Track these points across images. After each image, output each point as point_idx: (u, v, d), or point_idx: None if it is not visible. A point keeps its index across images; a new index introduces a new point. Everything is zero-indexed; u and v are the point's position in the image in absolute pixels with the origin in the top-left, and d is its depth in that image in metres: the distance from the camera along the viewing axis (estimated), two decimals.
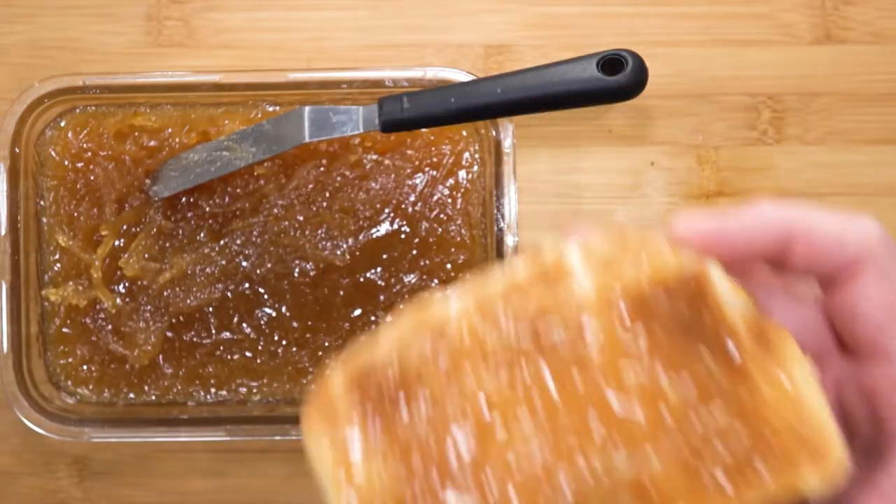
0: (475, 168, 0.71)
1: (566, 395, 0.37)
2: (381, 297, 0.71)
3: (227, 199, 0.71)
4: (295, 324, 0.71)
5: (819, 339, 0.43)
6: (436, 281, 0.71)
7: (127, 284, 0.71)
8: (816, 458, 0.36)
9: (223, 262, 0.71)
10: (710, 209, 0.42)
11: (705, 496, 0.36)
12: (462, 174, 0.71)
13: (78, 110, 0.71)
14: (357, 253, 0.71)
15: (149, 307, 0.71)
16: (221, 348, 0.71)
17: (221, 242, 0.71)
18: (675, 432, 0.36)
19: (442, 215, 0.71)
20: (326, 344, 0.71)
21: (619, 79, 0.61)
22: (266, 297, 0.71)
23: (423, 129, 0.70)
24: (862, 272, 0.39)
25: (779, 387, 0.37)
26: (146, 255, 0.70)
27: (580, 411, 0.37)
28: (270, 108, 0.72)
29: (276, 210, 0.71)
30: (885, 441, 0.40)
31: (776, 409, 0.37)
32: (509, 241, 0.68)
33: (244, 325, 0.71)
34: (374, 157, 0.72)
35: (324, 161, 0.71)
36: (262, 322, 0.71)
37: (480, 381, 0.37)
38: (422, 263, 0.71)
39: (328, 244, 0.71)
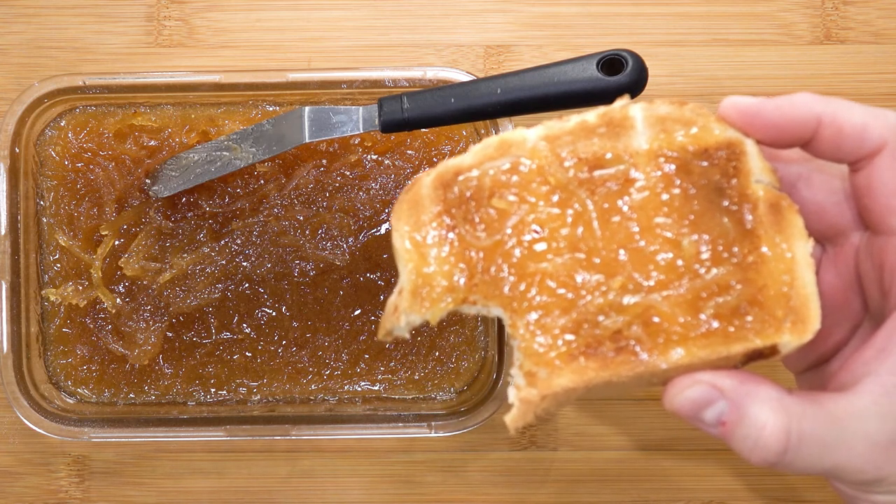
0: None
1: (603, 229, 0.45)
2: (381, 297, 0.71)
3: (227, 199, 0.71)
4: (295, 324, 0.71)
5: (842, 212, 0.48)
6: None
7: (127, 284, 0.71)
8: (797, 323, 0.44)
9: (223, 262, 0.71)
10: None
11: (697, 333, 0.44)
12: None
13: (78, 110, 0.71)
14: (357, 253, 0.71)
15: (149, 307, 0.71)
16: (221, 348, 0.71)
17: (221, 242, 0.71)
18: (684, 277, 0.45)
19: None
20: (326, 344, 0.71)
21: (619, 79, 0.61)
22: (266, 297, 0.71)
23: (423, 130, 0.70)
24: (879, 156, 0.45)
25: (780, 255, 0.45)
26: (146, 255, 0.70)
27: (611, 243, 0.45)
28: (270, 108, 0.72)
29: (276, 210, 0.71)
30: (889, 306, 0.45)
31: (773, 273, 0.45)
32: None
33: (244, 325, 0.71)
34: (374, 157, 0.72)
35: (324, 161, 0.71)
36: (262, 322, 0.71)
37: (537, 204, 0.46)
38: None
39: (328, 244, 0.71)
